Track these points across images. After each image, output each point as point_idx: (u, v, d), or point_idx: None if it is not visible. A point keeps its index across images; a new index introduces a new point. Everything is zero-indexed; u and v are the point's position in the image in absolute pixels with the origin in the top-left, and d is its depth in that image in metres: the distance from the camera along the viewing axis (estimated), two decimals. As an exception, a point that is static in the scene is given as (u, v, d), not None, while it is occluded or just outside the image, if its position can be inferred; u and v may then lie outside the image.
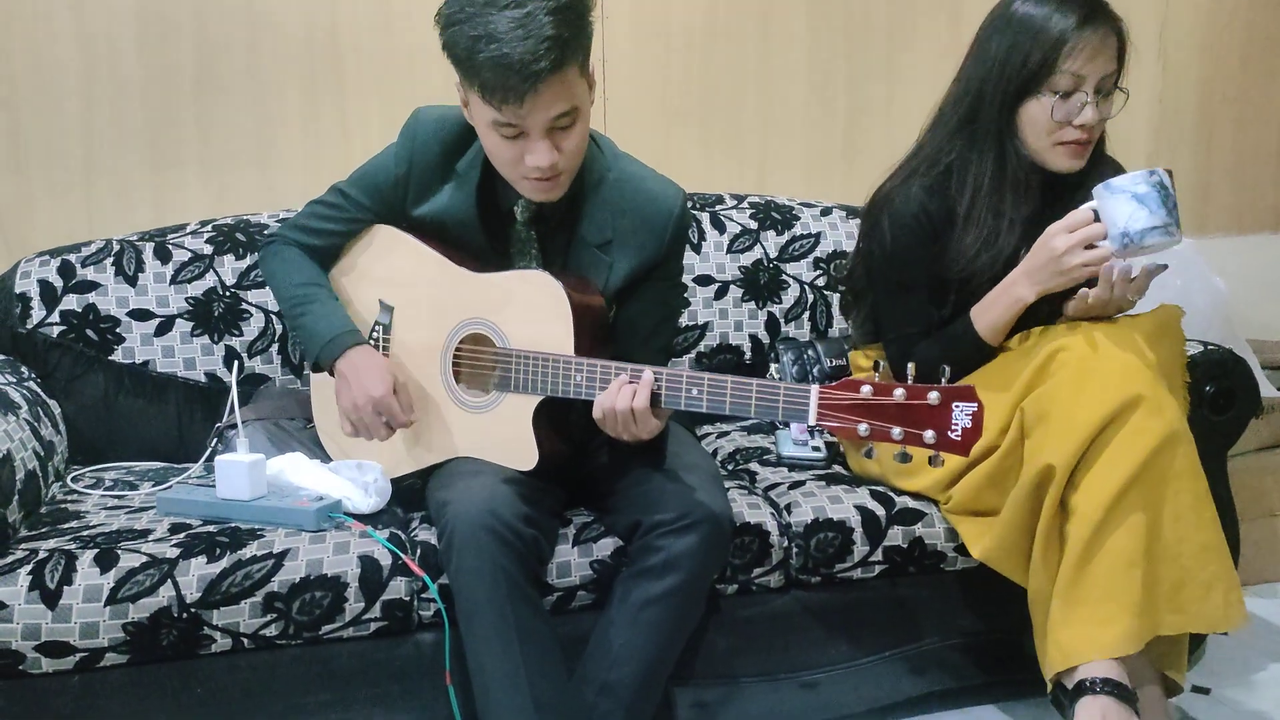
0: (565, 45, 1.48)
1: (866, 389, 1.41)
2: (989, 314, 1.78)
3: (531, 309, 1.64)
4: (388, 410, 1.69)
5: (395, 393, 1.69)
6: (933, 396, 1.39)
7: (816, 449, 2.04)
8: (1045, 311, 1.81)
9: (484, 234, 1.72)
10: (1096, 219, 1.67)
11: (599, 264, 1.70)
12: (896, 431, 1.41)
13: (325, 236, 1.82)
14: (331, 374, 1.75)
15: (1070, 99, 1.73)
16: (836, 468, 2.01)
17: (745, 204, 2.43)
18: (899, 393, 1.40)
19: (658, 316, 1.76)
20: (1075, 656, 1.60)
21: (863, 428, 1.42)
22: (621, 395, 1.52)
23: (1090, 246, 1.66)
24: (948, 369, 1.42)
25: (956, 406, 1.39)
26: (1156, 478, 1.62)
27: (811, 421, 1.44)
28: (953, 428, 1.39)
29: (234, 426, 1.80)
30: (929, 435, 1.40)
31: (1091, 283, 1.72)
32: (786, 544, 1.79)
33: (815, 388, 1.44)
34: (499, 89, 1.48)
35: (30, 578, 1.53)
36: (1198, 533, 1.64)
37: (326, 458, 1.86)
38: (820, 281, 2.40)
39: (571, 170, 1.62)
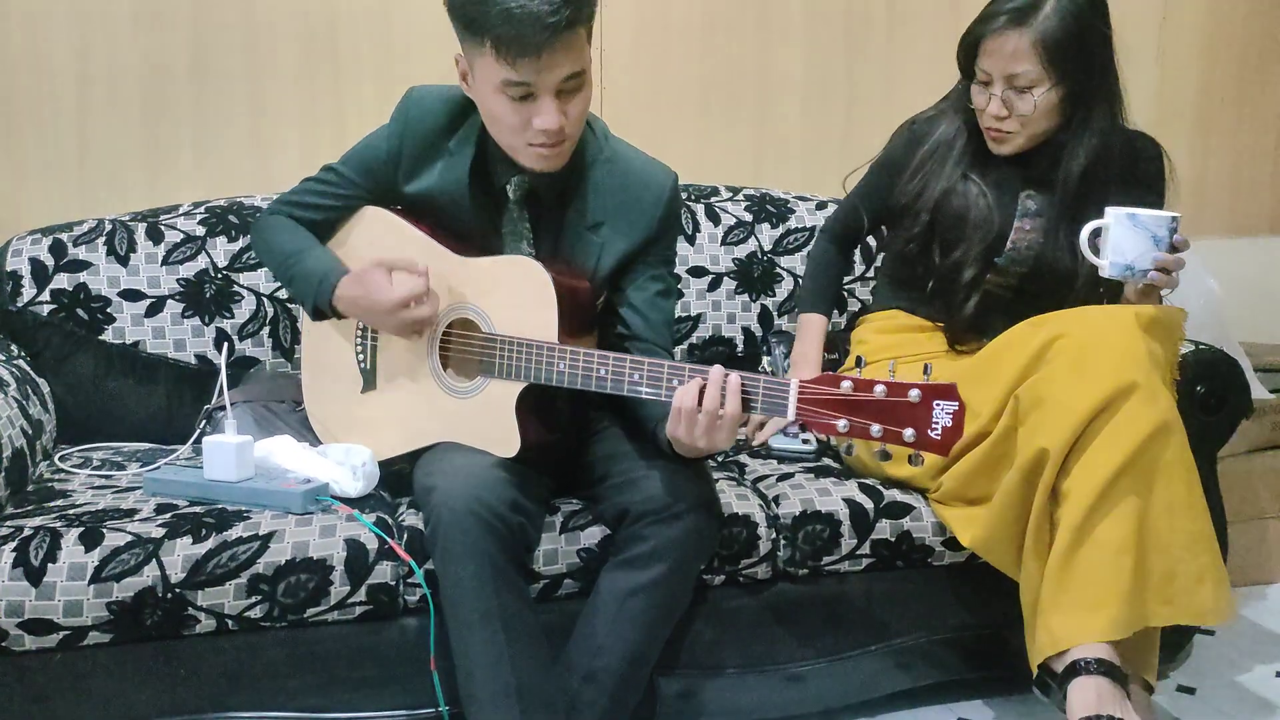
0: (579, 2, 1.49)
1: (846, 384, 1.40)
2: (800, 341, 2.13)
3: (517, 295, 1.63)
4: (407, 299, 1.64)
5: (394, 274, 1.66)
6: (913, 394, 1.38)
7: (807, 441, 2.04)
8: (1045, 306, 1.84)
9: (475, 213, 1.71)
10: (1096, 233, 1.76)
11: (590, 246, 1.69)
12: (875, 429, 1.40)
13: (317, 211, 1.81)
14: (337, 314, 1.74)
15: (985, 89, 1.87)
16: (826, 460, 2.00)
17: (740, 196, 2.43)
18: (879, 389, 1.39)
19: (654, 290, 1.74)
20: (1064, 640, 1.60)
21: (842, 424, 1.41)
22: (708, 397, 1.47)
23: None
24: (930, 366, 1.43)
25: (937, 405, 1.38)
26: (1149, 465, 1.63)
27: (790, 416, 1.44)
28: (933, 426, 1.38)
29: (223, 408, 1.80)
30: (908, 434, 1.39)
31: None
32: (774, 536, 1.79)
33: (795, 382, 1.44)
34: (515, 43, 1.48)
35: (14, 554, 1.53)
36: (1189, 523, 1.64)
37: (316, 441, 1.85)
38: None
39: (574, 139, 1.62)
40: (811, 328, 2.13)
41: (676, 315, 2.30)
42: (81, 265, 2.07)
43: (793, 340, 2.29)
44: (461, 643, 1.54)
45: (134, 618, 1.55)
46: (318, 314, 1.76)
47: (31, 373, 2.00)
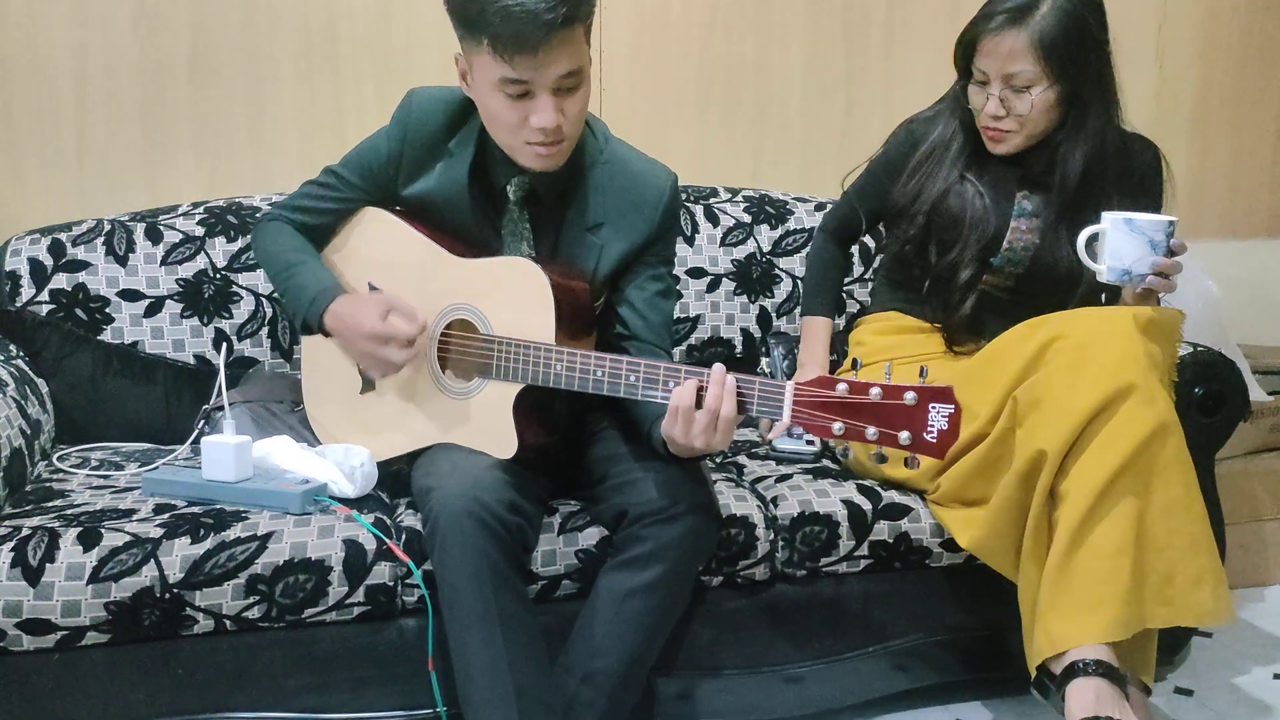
0: (577, 0, 1.49)
1: (842, 387, 1.40)
2: (806, 344, 2.12)
3: (516, 296, 1.63)
4: (387, 335, 1.65)
5: (390, 313, 1.66)
6: (909, 397, 1.38)
7: (810, 442, 2.04)
8: (1042, 306, 1.84)
9: (474, 214, 1.72)
10: (1093, 238, 1.75)
11: (590, 247, 1.70)
12: (871, 431, 1.39)
13: (317, 215, 1.82)
14: (324, 333, 1.74)
15: (983, 88, 1.87)
16: (825, 461, 2.00)
17: (739, 197, 2.43)
18: (875, 392, 1.39)
19: (653, 290, 1.74)
20: (1063, 642, 1.60)
21: (837, 426, 1.41)
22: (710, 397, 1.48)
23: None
24: (926, 369, 1.43)
25: (933, 408, 1.37)
26: (1147, 466, 1.63)
27: (785, 419, 1.44)
28: (929, 429, 1.38)
29: (221, 408, 1.80)
30: (904, 436, 1.39)
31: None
32: (772, 537, 1.79)
33: (790, 384, 1.44)
34: (513, 40, 1.48)
35: (13, 554, 1.53)
36: (1188, 525, 1.64)
37: (315, 441, 1.85)
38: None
39: (573, 138, 1.62)
40: (816, 330, 2.13)
41: (675, 316, 2.30)
42: (80, 265, 2.07)
43: (791, 342, 2.29)
44: (459, 644, 1.54)
45: (132, 618, 1.55)
46: (305, 329, 1.77)
47: (30, 372, 2.00)
